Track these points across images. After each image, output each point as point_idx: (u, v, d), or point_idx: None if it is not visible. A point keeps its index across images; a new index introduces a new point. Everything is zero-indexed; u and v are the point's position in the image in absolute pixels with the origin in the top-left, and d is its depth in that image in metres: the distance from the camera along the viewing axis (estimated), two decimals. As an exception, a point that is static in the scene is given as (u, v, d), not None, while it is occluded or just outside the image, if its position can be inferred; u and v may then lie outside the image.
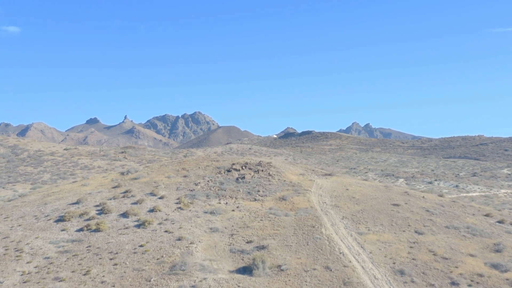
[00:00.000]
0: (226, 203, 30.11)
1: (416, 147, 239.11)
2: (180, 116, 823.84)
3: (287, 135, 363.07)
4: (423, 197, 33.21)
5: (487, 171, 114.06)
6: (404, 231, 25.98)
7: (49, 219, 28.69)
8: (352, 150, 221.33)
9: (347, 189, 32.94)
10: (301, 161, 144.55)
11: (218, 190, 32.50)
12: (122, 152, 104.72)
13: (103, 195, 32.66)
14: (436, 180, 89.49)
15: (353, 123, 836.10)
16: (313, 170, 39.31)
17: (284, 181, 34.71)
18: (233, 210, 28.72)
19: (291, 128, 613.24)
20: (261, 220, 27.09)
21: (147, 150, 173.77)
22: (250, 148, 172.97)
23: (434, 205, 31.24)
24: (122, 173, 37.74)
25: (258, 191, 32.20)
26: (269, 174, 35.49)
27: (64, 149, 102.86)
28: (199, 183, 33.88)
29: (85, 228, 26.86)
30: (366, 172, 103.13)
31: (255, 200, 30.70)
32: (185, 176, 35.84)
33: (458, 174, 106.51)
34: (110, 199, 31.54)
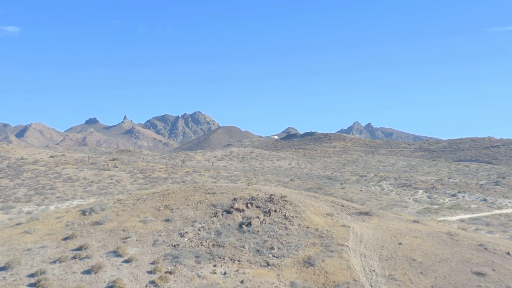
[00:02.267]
0: (224, 272, 19.85)
1: (424, 149, 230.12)
2: (180, 116, 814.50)
3: (288, 136, 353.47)
4: (508, 253, 23.06)
5: (506, 177, 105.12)
6: (515, 335, 15.88)
7: (-46, 301, 18.60)
8: (357, 152, 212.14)
9: (399, 243, 22.75)
10: (305, 166, 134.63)
11: (213, 245, 22.24)
12: (113, 160, 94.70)
13: (47, 253, 22.44)
14: (459, 192, 79.56)
15: (354, 123, 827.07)
16: (343, 206, 28.96)
17: (307, 227, 24.46)
18: (235, 288, 18.53)
19: (292, 128, 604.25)
20: (280, 310, 16.93)
21: (143, 154, 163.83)
22: (251, 152, 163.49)
23: (532, 271, 21.10)
24: (84, 212, 27.50)
25: (272, 247, 21.96)
26: (285, 217, 25.23)
27: (50, 157, 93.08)
28: (186, 233, 23.62)
29: (0, 325, 16.77)
30: (380, 181, 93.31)
31: (268, 265, 20.50)
32: (167, 220, 25.55)
33: (482, 185, 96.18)
34: (55, 261, 21.33)
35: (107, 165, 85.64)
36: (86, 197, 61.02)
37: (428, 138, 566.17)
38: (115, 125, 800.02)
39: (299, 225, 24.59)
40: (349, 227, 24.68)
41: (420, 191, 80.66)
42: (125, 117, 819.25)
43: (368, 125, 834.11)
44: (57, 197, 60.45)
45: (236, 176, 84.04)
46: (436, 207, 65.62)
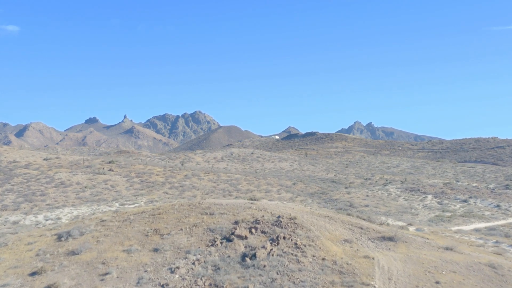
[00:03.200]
0: (225, 326, 15.81)
1: (427, 150, 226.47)
2: (180, 115, 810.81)
3: (289, 136, 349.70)
4: None
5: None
6: None
7: None
8: (359, 153, 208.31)
9: (437, 282, 18.67)
10: (308, 167, 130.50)
11: (210, 286, 18.18)
12: (109, 162, 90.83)
13: (9, 292, 18.44)
14: (471, 197, 75.68)
15: (355, 122, 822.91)
16: (361, 229, 24.71)
17: (323, 259, 20.36)
18: None
19: (293, 127, 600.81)
20: None
21: (142, 155, 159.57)
22: (252, 153, 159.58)
23: None
24: (60, 238, 23.45)
25: (282, 288, 17.90)
26: (296, 246, 21.13)
27: (44, 159, 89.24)
28: (178, 268, 19.56)
29: None
30: (386, 185, 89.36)
31: (278, 314, 16.46)
32: (156, 250, 21.45)
33: (493, 190, 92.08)
34: (16, 305, 17.34)
35: (103, 168, 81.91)
36: (77, 204, 57.59)
37: (429, 137, 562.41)
38: (115, 125, 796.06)
39: (313, 256, 20.48)
40: (373, 258, 20.55)
41: (430, 196, 76.97)
42: (125, 117, 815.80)
43: (369, 124, 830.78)
44: (47, 205, 57.06)
45: (236, 180, 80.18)
46: (449, 214, 61.74)
